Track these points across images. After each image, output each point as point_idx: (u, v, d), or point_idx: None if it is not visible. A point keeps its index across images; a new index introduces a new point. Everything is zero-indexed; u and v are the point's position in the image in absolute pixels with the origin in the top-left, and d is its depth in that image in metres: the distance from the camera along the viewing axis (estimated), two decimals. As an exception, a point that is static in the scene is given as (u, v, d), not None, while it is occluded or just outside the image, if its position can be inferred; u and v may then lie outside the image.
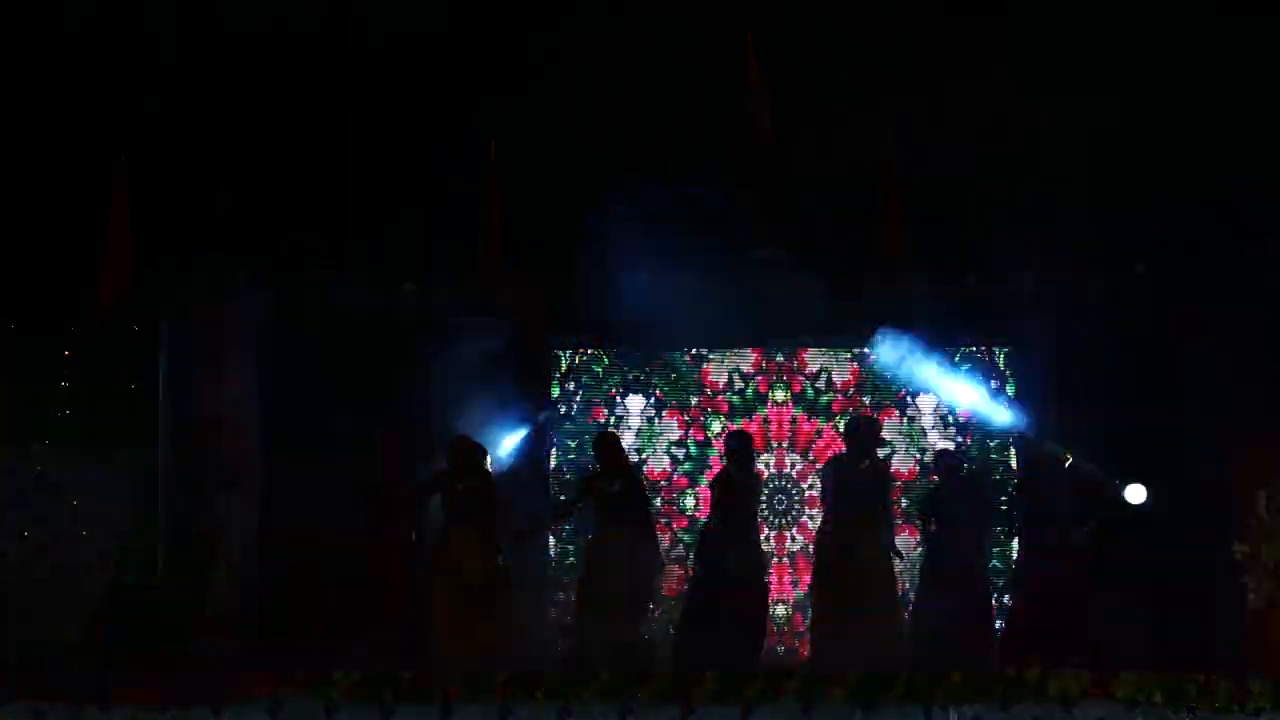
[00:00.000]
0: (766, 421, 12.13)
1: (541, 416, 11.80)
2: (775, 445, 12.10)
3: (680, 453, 12.14)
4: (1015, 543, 11.13)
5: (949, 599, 10.25)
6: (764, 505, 11.99)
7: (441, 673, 9.22)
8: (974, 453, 11.97)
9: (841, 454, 10.85)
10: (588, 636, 10.25)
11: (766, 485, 12.00)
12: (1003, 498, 11.75)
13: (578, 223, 11.82)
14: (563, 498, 11.59)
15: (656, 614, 11.22)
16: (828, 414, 12.03)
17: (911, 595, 11.05)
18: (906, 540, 11.21)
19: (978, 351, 12.10)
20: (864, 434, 10.55)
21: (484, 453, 10.57)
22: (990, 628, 10.49)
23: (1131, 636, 10.51)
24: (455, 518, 10.37)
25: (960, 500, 10.59)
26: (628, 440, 12.14)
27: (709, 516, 10.75)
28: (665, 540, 11.19)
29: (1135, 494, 10.56)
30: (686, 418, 12.09)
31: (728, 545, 10.37)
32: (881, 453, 11.27)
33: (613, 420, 12.19)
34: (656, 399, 12.22)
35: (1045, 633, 10.11)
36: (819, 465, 11.58)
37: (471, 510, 10.33)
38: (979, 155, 11.36)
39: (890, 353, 11.30)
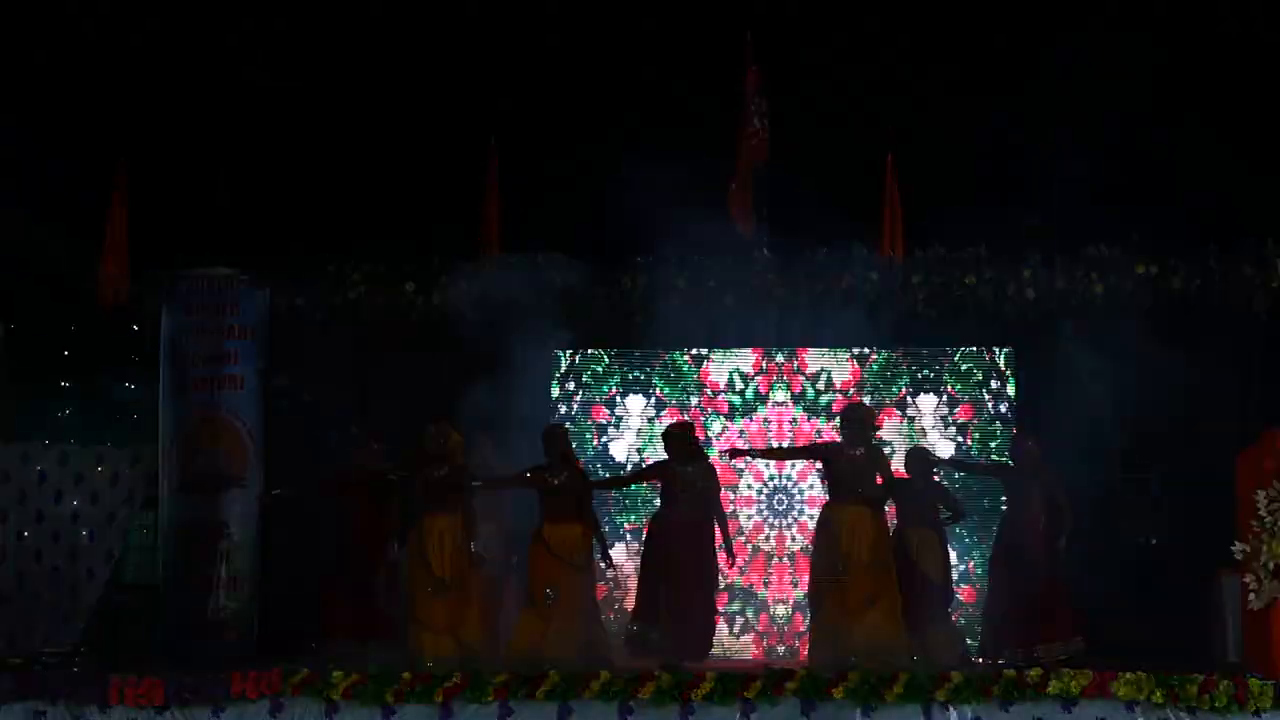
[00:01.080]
0: (766, 421, 12.12)
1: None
2: (775, 445, 12.07)
3: (680, 452, 12.11)
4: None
5: (911, 592, 10.25)
6: (764, 505, 12.02)
7: (441, 673, 9.22)
8: (974, 452, 11.96)
9: (836, 441, 10.81)
10: (529, 631, 10.16)
11: (765, 485, 12.00)
12: (1003, 498, 11.74)
13: (577, 220, 11.85)
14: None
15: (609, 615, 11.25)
16: (828, 414, 12.02)
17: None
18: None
19: (978, 351, 12.08)
20: (859, 421, 10.51)
21: (459, 440, 10.54)
22: (937, 619, 10.39)
23: (1131, 635, 10.50)
24: (430, 505, 10.39)
25: (922, 496, 10.56)
26: (628, 440, 12.15)
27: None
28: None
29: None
30: (686, 418, 12.07)
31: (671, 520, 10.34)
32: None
33: (613, 420, 12.19)
34: (657, 399, 12.21)
35: (1026, 623, 10.10)
36: (818, 465, 11.46)
37: (445, 497, 10.34)
38: (979, 153, 11.38)
39: None
